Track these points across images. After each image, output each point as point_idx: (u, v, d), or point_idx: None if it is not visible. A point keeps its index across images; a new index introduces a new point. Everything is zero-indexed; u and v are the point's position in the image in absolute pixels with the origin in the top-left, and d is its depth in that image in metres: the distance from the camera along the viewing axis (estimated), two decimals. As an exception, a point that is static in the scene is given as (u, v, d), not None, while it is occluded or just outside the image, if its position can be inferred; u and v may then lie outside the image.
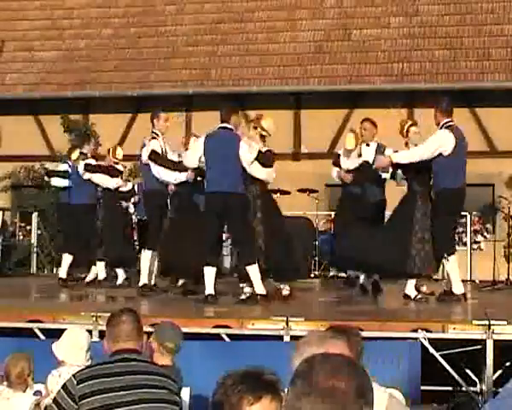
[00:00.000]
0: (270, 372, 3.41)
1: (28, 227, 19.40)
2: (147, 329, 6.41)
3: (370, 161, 12.11)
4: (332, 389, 2.50)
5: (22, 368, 6.79)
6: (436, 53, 19.92)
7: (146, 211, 13.35)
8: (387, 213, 12.41)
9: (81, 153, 14.55)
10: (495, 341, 8.36)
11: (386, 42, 20.37)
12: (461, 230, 18.58)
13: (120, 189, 14.52)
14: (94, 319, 8.86)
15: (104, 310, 9.11)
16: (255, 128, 11.68)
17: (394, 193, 12.41)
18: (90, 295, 12.82)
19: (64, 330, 6.84)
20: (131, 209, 15.82)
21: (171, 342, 6.51)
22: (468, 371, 8.56)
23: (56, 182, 15.03)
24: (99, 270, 13.95)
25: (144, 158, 12.30)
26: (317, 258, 16.29)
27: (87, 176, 14.19)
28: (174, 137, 13.63)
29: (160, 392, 5.09)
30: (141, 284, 12.03)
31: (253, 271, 10.98)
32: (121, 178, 14.68)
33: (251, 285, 11.08)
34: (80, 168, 14.27)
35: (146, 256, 12.16)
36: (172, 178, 12.19)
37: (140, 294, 11.93)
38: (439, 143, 10.98)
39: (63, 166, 15.02)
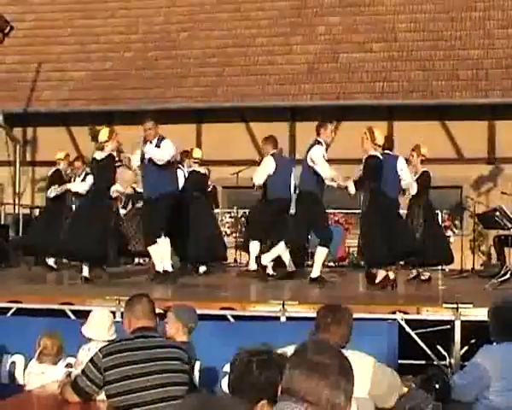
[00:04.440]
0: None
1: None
2: (160, 311, 6.42)
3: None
4: (317, 364, 2.61)
5: (52, 344, 6.81)
6: (412, 74, 19.92)
7: None
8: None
9: None
10: (462, 321, 8.36)
11: (368, 64, 20.36)
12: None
13: None
14: (117, 302, 8.85)
15: (126, 295, 9.12)
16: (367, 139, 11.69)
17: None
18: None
19: (91, 311, 6.85)
20: None
21: (193, 323, 6.52)
22: (439, 347, 8.55)
23: None
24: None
25: None
26: (310, 250, 16.26)
27: None
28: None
29: (173, 363, 5.10)
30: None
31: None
32: None
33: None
34: None
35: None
36: None
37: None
38: None
39: None
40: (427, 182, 13.16)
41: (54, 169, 15.00)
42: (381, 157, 11.37)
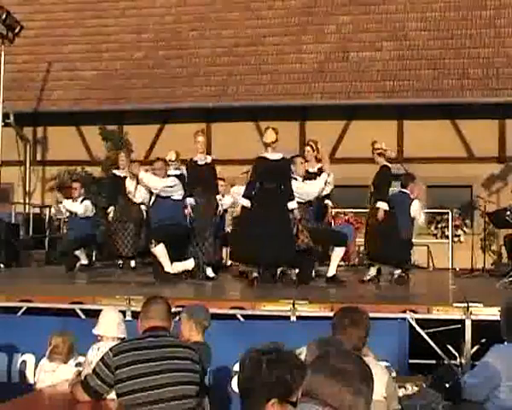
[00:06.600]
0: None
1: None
2: (173, 309, 6.40)
3: None
4: (340, 370, 2.69)
5: (63, 342, 6.82)
6: (422, 72, 19.88)
7: None
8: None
9: None
10: (472, 320, 8.34)
11: (379, 63, 20.35)
12: (444, 225, 18.62)
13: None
14: (127, 301, 8.85)
15: (136, 294, 9.13)
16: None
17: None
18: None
19: (101, 310, 6.86)
20: None
21: (205, 321, 6.53)
22: (449, 346, 8.53)
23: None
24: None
25: None
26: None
27: None
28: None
29: (183, 362, 5.09)
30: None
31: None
32: None
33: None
34: None
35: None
36: None
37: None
38: None
39: None
40: (383, 177, 12.09)
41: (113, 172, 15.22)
42: (268, 157, 11.14)
